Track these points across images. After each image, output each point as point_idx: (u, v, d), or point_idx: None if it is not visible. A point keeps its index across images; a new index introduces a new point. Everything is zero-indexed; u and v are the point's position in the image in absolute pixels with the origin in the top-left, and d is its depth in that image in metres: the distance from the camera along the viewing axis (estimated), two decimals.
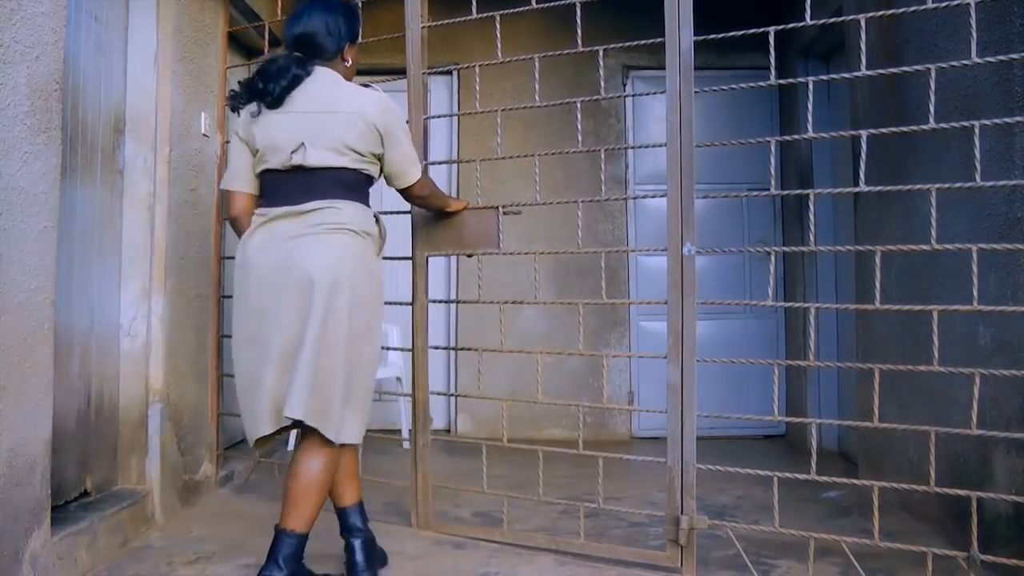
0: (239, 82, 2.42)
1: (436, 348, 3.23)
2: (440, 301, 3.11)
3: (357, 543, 2.46)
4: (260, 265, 2.31)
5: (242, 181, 2.45)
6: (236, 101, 2.40)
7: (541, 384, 4.86)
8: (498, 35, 2.88)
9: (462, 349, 3.38)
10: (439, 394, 3.19)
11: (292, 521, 2.28)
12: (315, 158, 2.32)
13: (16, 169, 2.10)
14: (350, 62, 2.49)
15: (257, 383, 2.32)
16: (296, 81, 2.34)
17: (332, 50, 2.43)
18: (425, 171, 2.66)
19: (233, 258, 4.01)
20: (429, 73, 3.03)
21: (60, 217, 2.34)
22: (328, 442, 2.28)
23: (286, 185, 2.35)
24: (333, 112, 2.34)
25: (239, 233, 2.48)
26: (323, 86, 2.37)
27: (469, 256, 3.02)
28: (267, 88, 2.33)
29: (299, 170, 2.33)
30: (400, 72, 3.08)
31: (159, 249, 3.09)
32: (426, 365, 3.03)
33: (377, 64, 4.55)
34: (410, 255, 3.07)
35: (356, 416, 2.33)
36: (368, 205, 2.44)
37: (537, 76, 2.79)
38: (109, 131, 2.96)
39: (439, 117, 2.90)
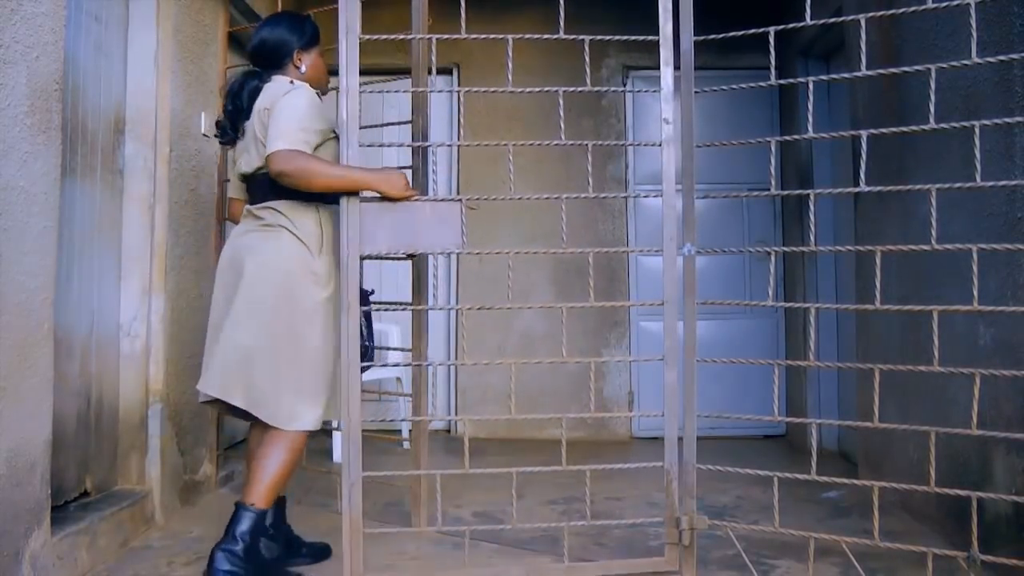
0: (218, 120, 2.66)
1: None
2: (384, 307, 2.95)
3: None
4: (220, 257, 2.61)
5: (234, 189, 2.74)
6: (224, 135, 2.63)
7: (540, 388, 4.88)
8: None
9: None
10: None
11: (248, 495, 2.40)
12: (244, 164, 2.56)
13: (16, 169, 2.10)
14: (304, 68, 2.63)
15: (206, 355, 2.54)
16: (256, 92, 2.54)
17: (282, 58, 2.60)
18: (299, 154, 2.37)
19: None
20: (430, 74, 3.02)
21: (60, 217, 2.34)
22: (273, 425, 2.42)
23: (248, 190, 2.60)
24: (256, 113, 2.51)
25: None
26: (263, 94, 2.54)
27: (410, 257, 2.73)
28: (237, 104, 2.56)
29: (247, 177, 2.57)
30: (398, 72, 3.08)
31: (159, 249, 3.09)
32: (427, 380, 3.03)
33: (376, 64, 4.54)
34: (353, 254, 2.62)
35: (292, 399, 2.40)
36: (308, 202, 2.49)
37: (515, 66, 2.75)
38: (109, 131, 2.96)
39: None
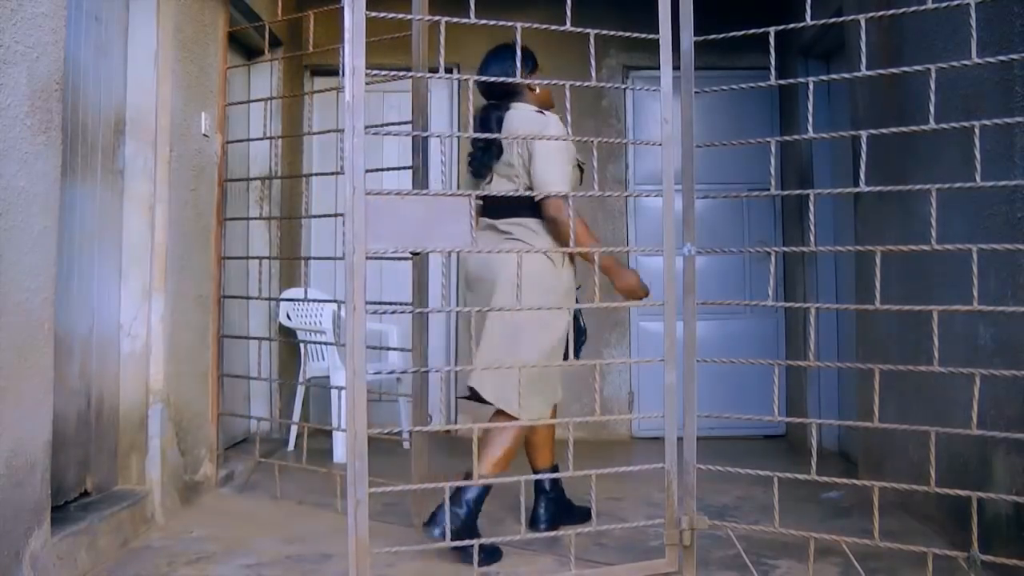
0: (471, 156, 2.96)
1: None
2: (383, 310, 2.84)
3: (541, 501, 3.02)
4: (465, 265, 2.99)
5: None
6: (479, 171, 2.92)
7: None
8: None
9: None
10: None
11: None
12: (496, 186, 2.86)
13: (16, 169, 2.10)
14: (537, 90, 2.96)
15: None
16: (500, 121, 2.85)
17: (515, 88, 2.87)
18: (564, 201, 2.68)
19: (232, 258, 4.03)
20: (430, 76, 2.99)
21: (60, 217, 2.34)
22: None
23: (490, 204, 2.87)
24: (507, 142, 2.80)
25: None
26: (508, 122, 2.84)
27: (415, 254, 2.74)
28: (488, 140, 2.85)
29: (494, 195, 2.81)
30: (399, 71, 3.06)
31: (159, 249, 3.09)
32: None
33: (376, 64, 4.54)
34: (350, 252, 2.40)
35: (527, 392, 2.68)
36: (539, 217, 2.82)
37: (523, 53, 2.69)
38: (109, 131, 2.96)
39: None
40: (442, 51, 2.44)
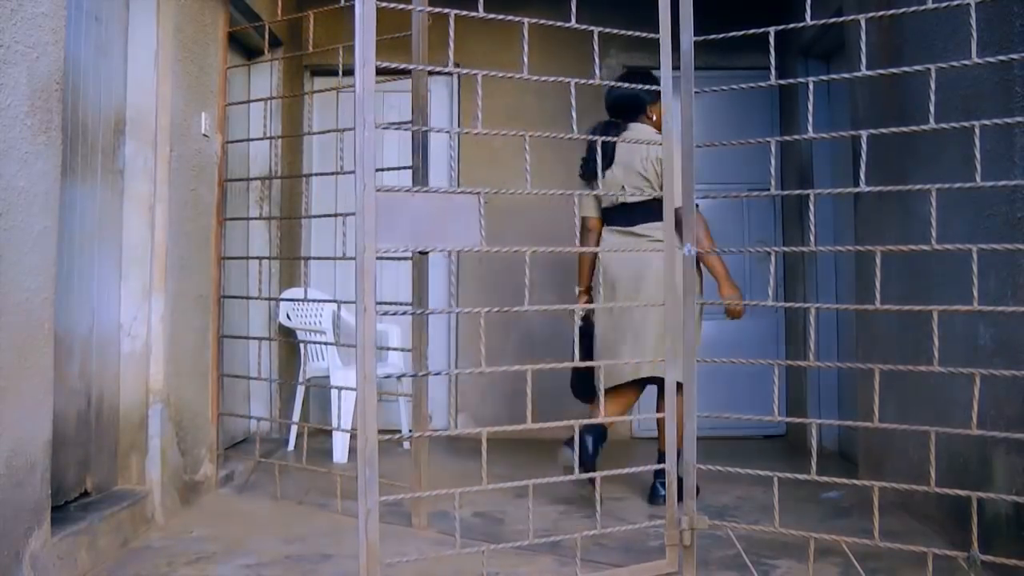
0: (584, 160, 3.47)
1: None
2: (392, 311, 2.64)
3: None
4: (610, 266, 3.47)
5: (589, 208, 3.53)
6: (590, 172, 3.34)
7: (540, 388, 4.85)
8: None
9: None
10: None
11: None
12: (631, 194, 3.28)
13: (16, 169, 2.10)
14: (655, 117, 3.40)
15: None
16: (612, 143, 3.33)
17: (637, 111, 3.44)
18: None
19: (232, 258, 4.03)
20: (431, 73, 3.00)
21: (60, 217, 2.34)
22: None
23: (623, 212, 3.39)
24: (639, 156, 3.30)
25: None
26: (631, 140, 3.26)
27: (423, 253, 2.75)
28: (605, 149, 3.28)
29: (630, 203, 3.31)
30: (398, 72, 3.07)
31: (159, 249, 3.09)
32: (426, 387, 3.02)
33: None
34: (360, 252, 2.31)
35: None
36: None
37: (518, 66, 2.73)
38: (109, 131, 2.96)
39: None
40: (451, 44, 2.42)
